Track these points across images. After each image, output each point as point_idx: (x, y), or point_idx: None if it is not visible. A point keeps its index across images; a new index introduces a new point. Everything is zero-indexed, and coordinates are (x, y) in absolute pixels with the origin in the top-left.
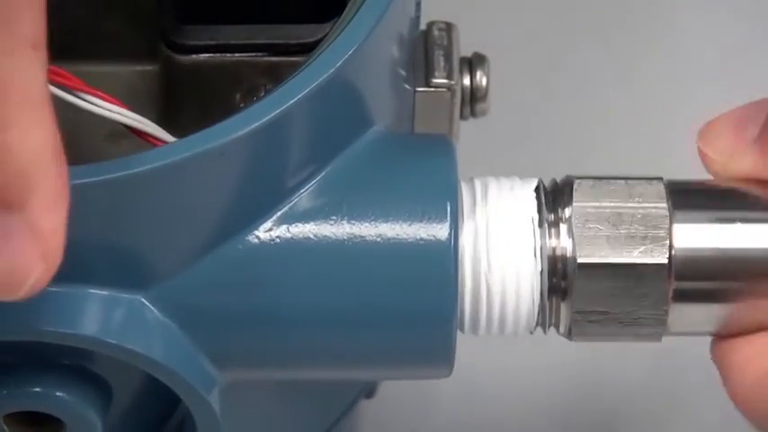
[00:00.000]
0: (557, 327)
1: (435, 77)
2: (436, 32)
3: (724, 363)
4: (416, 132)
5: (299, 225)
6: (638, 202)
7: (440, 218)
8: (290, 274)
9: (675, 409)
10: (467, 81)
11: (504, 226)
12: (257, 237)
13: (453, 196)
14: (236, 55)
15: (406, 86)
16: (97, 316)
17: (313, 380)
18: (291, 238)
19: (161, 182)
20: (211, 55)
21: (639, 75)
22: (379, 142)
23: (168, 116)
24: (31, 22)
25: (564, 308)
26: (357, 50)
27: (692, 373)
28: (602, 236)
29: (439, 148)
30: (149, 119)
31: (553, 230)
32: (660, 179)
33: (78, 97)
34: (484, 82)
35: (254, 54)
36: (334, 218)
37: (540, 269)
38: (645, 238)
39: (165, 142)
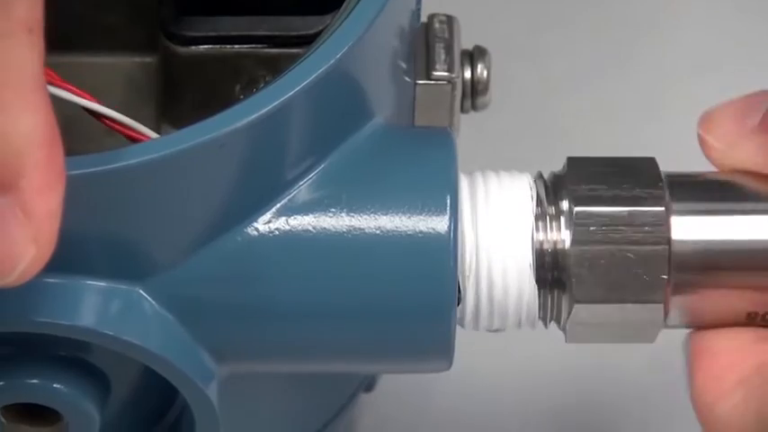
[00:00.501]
0: (557, 321)
1: (436, 70)
2: (437, 25)
3: (696, 351)
4: (417, 125)
5: (298, 217)
6: (637, 195)
7: (440, 211)
8: (288, 266)
9: (675, 407)
10: (468, 74)
11: (504, 219)
12: (256, 229)
13: (453, 189)
14: (236, 46)
15: (407, 79)
16: (95, 307)
17: (312, 373)
18: (290, 230)
19: (159, 173)
20: (211, 46)
21: (641, 68)
22: (379, 135)
23: (168, 107)
24: (29, 7)
25: (564, 301)
26: (357, 42)
27: None
28: (600, 231)
29: (439, 141)
30: (149, 110)
31: (554, 224)
32: (659, 178)
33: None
34: (485, 75)
35: (254, 45)
36: (333, 210)
37: (540, 262)
38: (643, 232)
39: (140, 133)
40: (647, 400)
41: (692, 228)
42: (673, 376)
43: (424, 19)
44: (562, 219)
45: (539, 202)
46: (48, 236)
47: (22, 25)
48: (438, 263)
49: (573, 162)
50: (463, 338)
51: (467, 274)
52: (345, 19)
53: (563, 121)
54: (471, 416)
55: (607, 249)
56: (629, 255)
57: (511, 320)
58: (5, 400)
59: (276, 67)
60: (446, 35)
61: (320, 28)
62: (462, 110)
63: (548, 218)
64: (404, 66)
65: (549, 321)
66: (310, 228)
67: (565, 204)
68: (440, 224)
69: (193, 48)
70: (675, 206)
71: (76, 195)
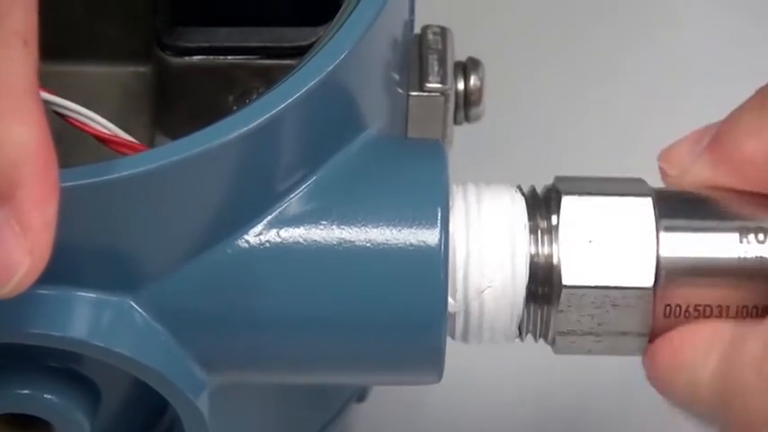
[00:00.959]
0: (544, 337)
1: (429, 82)
2: (431, 36)
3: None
4: (409, 137)
5: (289, 229)
6: (625, 207)
7: (430, 223)
8: (279, 278)
9: (669, 414)
10: (461, 86)
11: (495, 232)
12: (247, 241)
13: (444, 202)
14: (230, 57)
15: (400, 90)
16: (85, 319)
17: (302, 384)
18: (281, 242)
19: (150, 185)
20: (205, 57)
21: (634, 78)
22: (371, 146)
23: (161, 116)
24: (23, 17)
25: (552, 317)
26: (349, 54)
27: None
28: (589, 246)
29: (431, 153)
30: (143, 119)
31: (545, 238)
32: (648, 194)
33: None
34: (478, 87)
35: (247, 57)
36: (324, 223)
37: (530, 277)
38: (631, 248)
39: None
40: (639, 409)
41: (679, 245)
42: None
43: (417, 30)
44: (554, 233)
45: (531, 216)
46: (43, 247)
47: (16, 36)
48: (428, 275)
49: (561, 180)
50: (453, 347)
51: (458, 286)
52: (338, 30)
53: (557, 132)
54: (462, 427)
55: (594, 269)
56: (616, 277)
57: (500, 334)
58: None
59: (269, 78)
60: (440, 47)
61: (313, 39)
62: (455, 121)
63: (539, 231)
64: (397, 77)
65: (539, 337)
66: (301, 240)
67: (556, 218)
68: (430, 237)
69: (187, 58)
70: (664, 222)
71: (68, 207)
